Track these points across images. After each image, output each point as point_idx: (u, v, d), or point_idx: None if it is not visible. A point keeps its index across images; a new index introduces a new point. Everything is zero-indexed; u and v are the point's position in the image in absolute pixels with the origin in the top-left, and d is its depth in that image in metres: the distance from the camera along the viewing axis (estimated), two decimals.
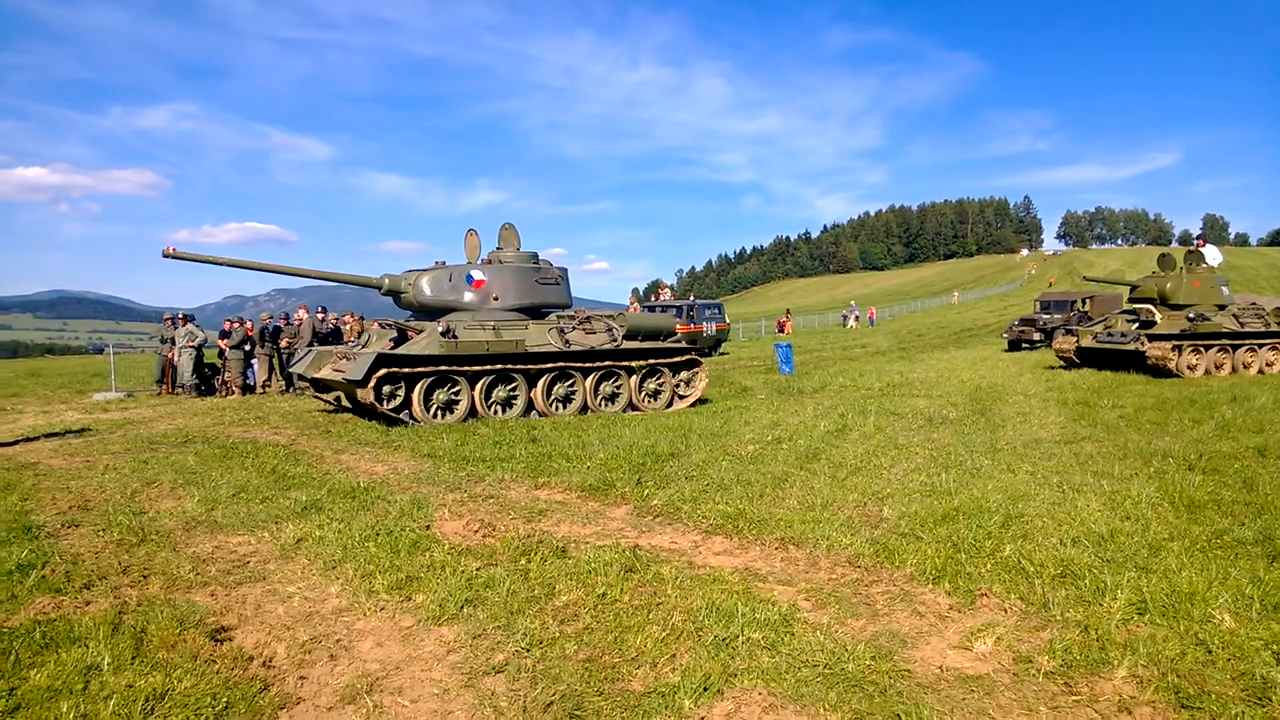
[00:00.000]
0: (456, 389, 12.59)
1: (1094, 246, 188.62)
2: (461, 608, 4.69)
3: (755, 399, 15.35)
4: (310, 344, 17.62)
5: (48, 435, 12.51)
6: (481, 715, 3.56)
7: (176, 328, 18.94)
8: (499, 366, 12.74)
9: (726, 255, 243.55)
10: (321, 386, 14.58)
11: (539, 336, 13.39)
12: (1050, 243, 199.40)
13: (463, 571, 5.27)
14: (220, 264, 13.93)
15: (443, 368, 12.39)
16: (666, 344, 14.45)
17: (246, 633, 4.48)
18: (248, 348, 19.19)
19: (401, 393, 12.19)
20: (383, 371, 11.93)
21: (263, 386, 19.21)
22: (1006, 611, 4.52)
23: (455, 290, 13.65)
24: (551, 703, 3.60)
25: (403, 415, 12.19)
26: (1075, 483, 7.36)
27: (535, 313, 14.24)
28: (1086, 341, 19.33)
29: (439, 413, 12.45)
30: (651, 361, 14.15)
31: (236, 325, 19.47)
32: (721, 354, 31.84)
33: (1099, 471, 7.86)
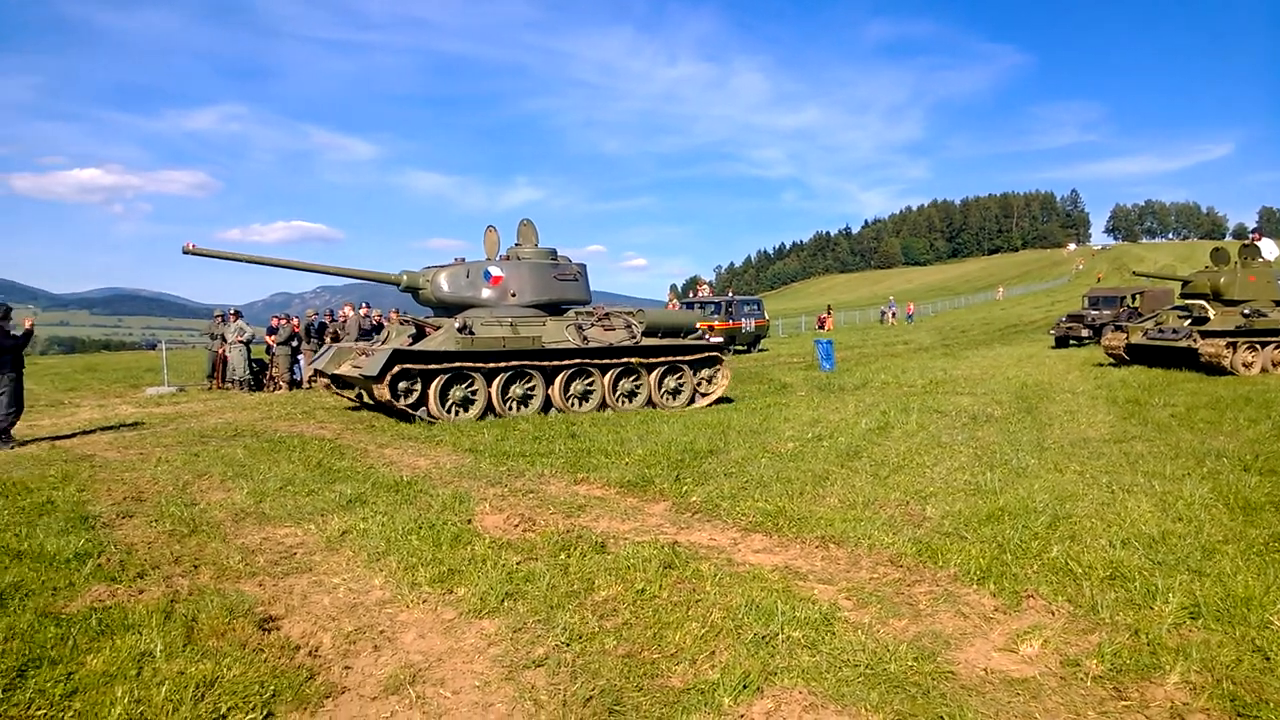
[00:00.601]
0: (473, 386, 12.57)
1: (1144, 241, 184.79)
2: (502, 601, 4.72)
3: (795, 396, 15.27)
4: (357, 340, 17.82)
5: (103, 428, 12.79)
6: (522, 708, 3.59)
7: (226, 324, 19.28)
8: (516, 363, 12.72)
9: (766, 251, 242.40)
10: (341, 383, 14.63)
11: (557, 333, 13.33)
12: (1098, 237, 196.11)
13: (503, 565, 5.31)
14: (239, 260, 14.13)
15: (459, 364, 12.38)
16: (687, 341, 14.30)
17: (293, 622, 4.56)
18: (294, 344, 19.47)
19: (418, 389, 12.21)
20: (398, 368, 11.97)
21: (309, 382, 19.47)
22: (1053, 614, 4.45)
23: (473, 286, 13.65)
24: (591, 697, 3.61)
25: (419, 412, 12.21)
26: (1125, 483, 7.23)
27: (554, 309, 14.19)
28: (1137, 338, 18.97)
29: (455, 409, 12.45)
30: (670, 359, 14.02)
31: (284, 322, 19.77)
32: (761, 350, 31.72)
33: (1150, 471, 7.71)
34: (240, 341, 18.85)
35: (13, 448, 10.89)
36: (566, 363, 13.11)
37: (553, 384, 13.06)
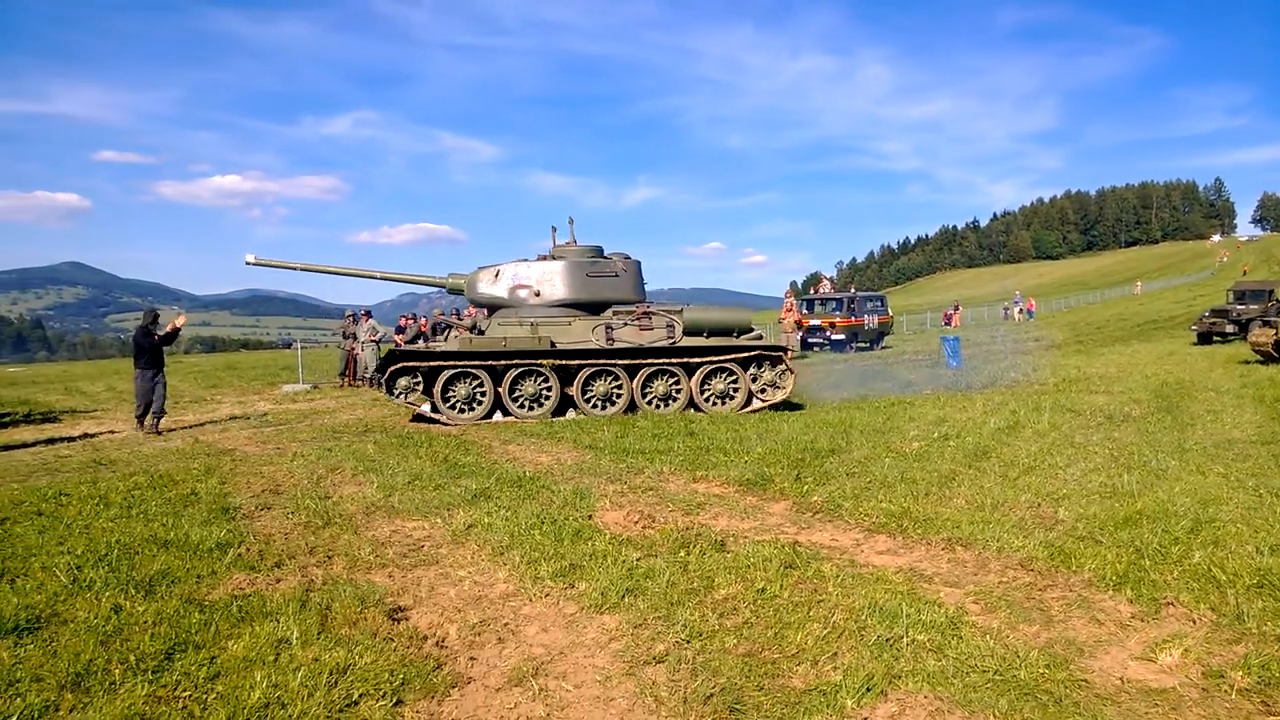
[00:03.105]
0: (481, 385, 12.75)
1: None
2: (623, 597, 4.77)
3: (920, 394, 14.91)
4: None
5: (243, 423, 13.46)
6: (642, 704, 3.62)
7: (358, 324, 20.04)
8: (520, 363, 12.72)
9: (889, 245, 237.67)
10: None
11: (581, 333, 13.25)
12: (1244, 227, 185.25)
13: (624, 561, 5.37)
14: (296, 269, 15.19)
15: (457, 364, 12.63)
16: (737, 341, 13.62)
17: (421, 613, 4.71)
18: (421, 342, 20.08)
19: (420, 387, 12.64)
20: (396, 366, 12.54)
21: None
22: (1195, 622, 4.24)
23: (501, 288, 13.84)
24: (711, 695, 3.62)
25: (433, 413, 12.62)
26: (1274, 486, 6.81)
27: (594, 308, 13.97)
28: None
29: (461, 408, 12.72)
30: (717, 360, 13.36)
31: (411, 321, 20.43)
32: (884, 348, 31.09)
33: None
34: (372, 341, 19.58)
35: (148, 434, 11.80)
36: (583, 363, 12.94)
37: (572, 385, 12.97)
